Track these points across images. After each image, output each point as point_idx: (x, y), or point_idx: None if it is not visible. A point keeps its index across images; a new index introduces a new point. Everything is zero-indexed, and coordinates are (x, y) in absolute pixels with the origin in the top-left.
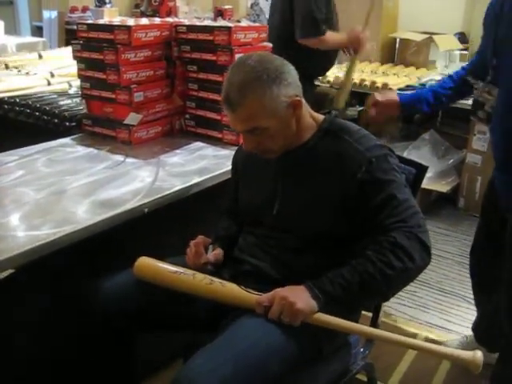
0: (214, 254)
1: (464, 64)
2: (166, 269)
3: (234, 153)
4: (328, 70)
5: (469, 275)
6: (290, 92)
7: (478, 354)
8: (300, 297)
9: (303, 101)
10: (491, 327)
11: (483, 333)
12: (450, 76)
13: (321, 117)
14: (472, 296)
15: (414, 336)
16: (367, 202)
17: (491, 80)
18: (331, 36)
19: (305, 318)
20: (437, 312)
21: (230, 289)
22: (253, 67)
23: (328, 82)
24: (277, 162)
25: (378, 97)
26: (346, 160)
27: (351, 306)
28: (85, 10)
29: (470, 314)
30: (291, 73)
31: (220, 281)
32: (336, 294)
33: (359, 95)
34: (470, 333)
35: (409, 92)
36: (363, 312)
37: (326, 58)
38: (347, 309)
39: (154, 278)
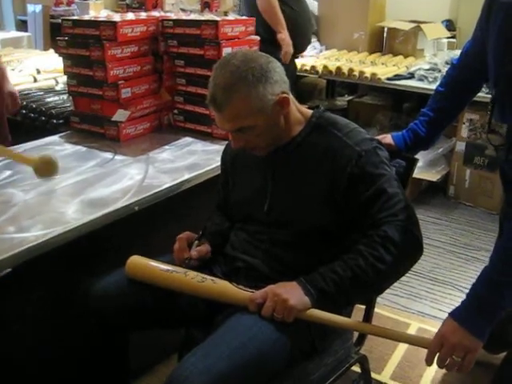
0: (198, 249)
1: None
2: (158, 267)
3: (223, 147)
4: (306, 45)
5: (460, 264)
6: (277, 90)
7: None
8: (293, 293)
9: (291, 96)
10: (497, 334)
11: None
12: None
13: (309, 111)
14: (463, 285)
15: (407, 326)
16: (357, 197)
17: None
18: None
19: (298, 315)
20: (429, 301)
21: (222, 286)
22: (237, 67)
23: (316, 72)
24: (266, 158)
25: None
26: (336, 154)
27: (344, 300)
28: (70, 3)
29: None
30: (277, 70)
31: (212, 278)
32: (329, 289)
33: (348, 85)
34: None
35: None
36: (356, 305)
37: (299, 32)
38: (340, 304)
39: (146, 277)
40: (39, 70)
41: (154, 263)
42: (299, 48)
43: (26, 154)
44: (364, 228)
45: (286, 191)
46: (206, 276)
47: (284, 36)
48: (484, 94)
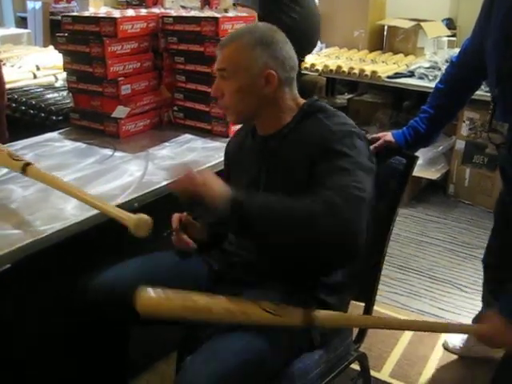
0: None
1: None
2: (177, 303)
3: (223, 144)
4: (307, 51)
5: (459, 262)
6: (271, 64)
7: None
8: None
9: (292, 87)
10: None
11: None
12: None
13: (303, 101)
14: (463, 283)
15: None
16: (317, 168)
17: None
18: None
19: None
20: (428, 299)
21: (253, 314)
22: (256, 25)
23: (316, 70)
24: (258, 148)
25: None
26: (314, 136)
27: (260, 230)
28: (69, 0)
29: (461, 301)
30: (284, 53)
31: (240, 308)
32: (253, 204)
33: (348, 84)
34: (462, 320)
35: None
36: (355, 302)
37: (300, 39)
38: (252, 228)
39: (163, 315)
40: (39, 67)
41: (170, 300)
42: (301, 54)
43: (123, 212)
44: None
45: (276, 181)
46: (230, 305)
47: None
48: (483, 93)
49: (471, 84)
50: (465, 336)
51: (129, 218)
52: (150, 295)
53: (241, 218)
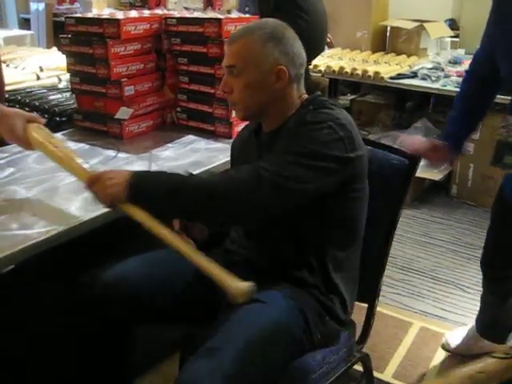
0: None
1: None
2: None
3: (226, 145)
4: (314, 56)
5: (462, 263)
6: (282, 60)
7: (245, 285)
8: (114, 182)
9: (300, 84)
10: (497, 323)
11: (488, 327)
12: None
13: (306, 97)
14: (466, 284)
15: (410, 325)
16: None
17: None
18: None
19: (114, 202)
20: (431, 300)
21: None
22: (267, 21)
23: (319, 71)
24: (261, 144)
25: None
26: (295, 127)
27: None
28: (73, 1)
29: (463, 301)
30: (294, 50)
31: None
32: (149, 187)
33: (351, 84)
34: (465, 321)
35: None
36: (358, 302)
37: (312, 43)
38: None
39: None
40: (42, 68)
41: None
42: (311, 58)
43: (230, 277)
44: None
45: None
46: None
47: None
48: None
49: (487, 99)
50: (464, 334)
51: (235, 286)
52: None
53: (132, 185)
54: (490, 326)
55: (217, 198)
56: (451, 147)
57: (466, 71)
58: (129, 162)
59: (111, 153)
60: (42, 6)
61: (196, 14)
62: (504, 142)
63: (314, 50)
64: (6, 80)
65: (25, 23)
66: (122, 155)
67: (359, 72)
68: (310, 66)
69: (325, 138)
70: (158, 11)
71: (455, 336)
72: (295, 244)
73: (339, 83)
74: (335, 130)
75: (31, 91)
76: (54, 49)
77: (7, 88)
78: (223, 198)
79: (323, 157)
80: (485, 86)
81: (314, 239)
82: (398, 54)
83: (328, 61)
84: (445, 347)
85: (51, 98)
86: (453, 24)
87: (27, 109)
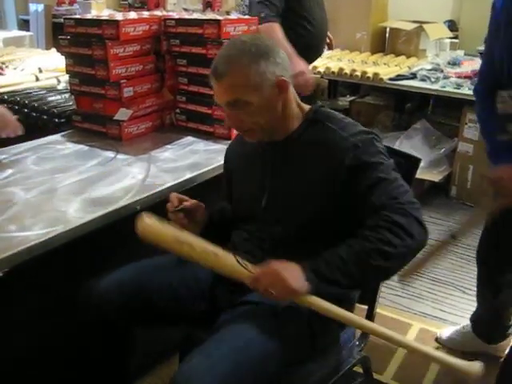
0: (191, 201)
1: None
2: (168, 234)
3: (225, 147)
4: (312, 61)
5: (461, 264)
6: (278, 71)
7: (477, 366)
8: (293, 275)
9: (291, 87)
10: (493, 321)
11: (484, 326)
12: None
13: (307, 107)
14: (465, 285)
15: (409, 327)
16: (357, 187)
17: None
18: (281, 37)
19: (294, 298)
20: (430, 302)
21: (223, 260)
22: (243, 41)
23: (318, 72)
24: (264, 153)
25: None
26: (333, 148)
27: (349, 285)
28: (72, 2)
29: (463, 303)
30: (281, 55)
31: (215, 252)
32: (332, 276)
33: (350, 86)
34: (465, 322)
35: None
36: (359, 304)
37: (311, 51)
38: (345, 286)
39: (155, 240)
40: (41, 69)
41: (165, 229)
42: (310, 62)
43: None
44: (367, 216)
45: (283, 186)
46: (209, 247)
47: (298, 67)
48: None
49: None
50: (458, 328)
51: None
52: (148, 221)
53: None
54: (484, 324)
55: (392, 256)
56: None
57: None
58: (128, 164)
59: (110, 154)
60: (41, 7)
61: (195, 16)
62: (503, 115)
63: (313, 55)
64: (5, 81)
65: (24, 24)
66: (120, 156)
67: (358, 73)
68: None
69: (382, 149)
70: (157, 12)
71: (448, 329)
72: (300, 248)
73: (338, 84)
74: (377, 139)
75: (30, 92)
76: (53, 50)
77: (6, 89)
78: (398, 254)
79: (393, 162)
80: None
81: (325, 244)
82: (398, 55)
83: (327, 62)
84: (438, 341)
85: (50, 99)
86: (452, 25)
87: (26, 110)
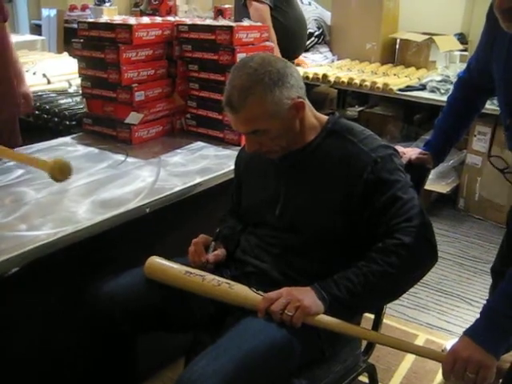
0: (215, 254)
1: (460, 70)
2: (176, 270)
3: (235, 152)
4: (298, 50)
5: (468, 276)
6: (293, 94)
7: None
8: (307, 295)
9: (307, 101)
10: None
11: None
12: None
13: (324, 117)
14: (471, 297)
15: (415, 337)
16: (372, 203)
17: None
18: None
19: (307, 320)
20: (436, 313)
21: (237, 291)
22: (255, 69)
23: (329, 81)
24: (280, 162)
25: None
26: (351, 161)
27: (357, 307)
28: (84, 8)
29: (469, 315)
30: (294, 74)
31: (228, 282)
32: (342, 296)
33: (359, 96)
34: None
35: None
36: (365, 314)
37: (292, 38)
38: (353, 310)
39: (164, 279)
40: (46, 75)
41: (172, 265)
42: (292, 53)
43: (39, 158)
44: (378, 235)
45: (298, 196)
46: (221, 279)
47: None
48: (495, 107)
49: (477, 105)
50: None
51: (47, 164)
52: (155, 261)
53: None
54: None
55: (399, 280)
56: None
57: (458, 77)
58: (138, 167)
59: (120, 157)
60: (53, 12)
61: (208, 22)
62: None
63: (298, 43)
64: None
65: (36, 29)
66: (130, 160)
67: (368, 83)
68: (319, 76)
69: (400, 165)
70: (170, 18)
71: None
72: (310, 255)
73: (347, 94)
74: (396, 155)
75: (41, 95)
76: (65, 54)
77: None
78: (404, 278)
79: (409, 179)
80: (474, 94)
81: (334, 254)
82: (407, 66)
83: (337, 72)
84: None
85: (61, 102)
86: (462, 38)
87: (37, 112)
